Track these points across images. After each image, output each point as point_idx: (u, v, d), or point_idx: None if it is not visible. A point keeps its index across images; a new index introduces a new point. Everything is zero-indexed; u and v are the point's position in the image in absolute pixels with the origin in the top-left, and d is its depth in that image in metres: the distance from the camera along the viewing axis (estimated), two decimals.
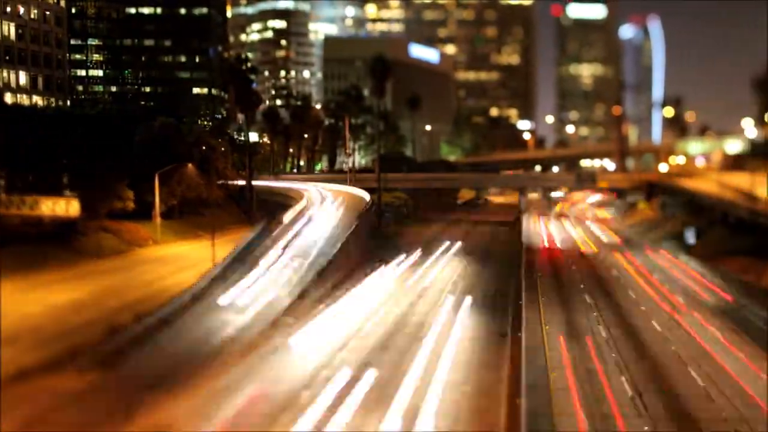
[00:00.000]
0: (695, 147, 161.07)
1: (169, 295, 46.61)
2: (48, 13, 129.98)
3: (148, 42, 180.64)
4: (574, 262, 77.74)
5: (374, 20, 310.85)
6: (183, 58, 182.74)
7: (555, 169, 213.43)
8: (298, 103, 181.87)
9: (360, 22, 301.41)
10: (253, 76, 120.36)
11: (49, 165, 66.45)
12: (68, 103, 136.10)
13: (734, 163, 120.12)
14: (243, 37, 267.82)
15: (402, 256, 76.05)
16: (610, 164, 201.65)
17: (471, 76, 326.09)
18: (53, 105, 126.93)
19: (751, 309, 52.18)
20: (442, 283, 63.58)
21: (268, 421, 29.66)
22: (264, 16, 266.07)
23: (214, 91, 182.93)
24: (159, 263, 63.36)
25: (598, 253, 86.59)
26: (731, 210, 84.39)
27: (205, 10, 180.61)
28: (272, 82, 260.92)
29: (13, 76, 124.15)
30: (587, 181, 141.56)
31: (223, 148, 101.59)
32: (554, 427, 29.56)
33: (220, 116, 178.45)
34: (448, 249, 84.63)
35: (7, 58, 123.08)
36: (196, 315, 44.96)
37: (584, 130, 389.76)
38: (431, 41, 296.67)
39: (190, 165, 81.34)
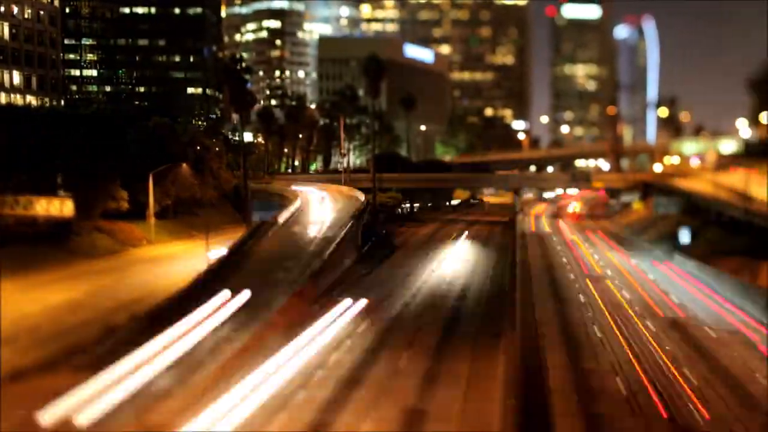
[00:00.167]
0: (690, 147, 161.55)
1: (164, 295, 46.40)
2: (42, 12, 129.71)
3: (143, 42, 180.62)
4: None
5: (369, 20, 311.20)
6: (177, 58, 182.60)
7: (550, 169, 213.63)
8: (293, 103, 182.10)
9: (355, 22, 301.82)
10: (247, 76, 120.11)
11: (43, 165, 66.08)
12: (62, 102, 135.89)
13: (731, 162, 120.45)
14: (237, 37, 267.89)
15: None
16: (604, 164, 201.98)
17: (466, 76, 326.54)
18: (47, 105, 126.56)
19: None
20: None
21: None
22: (258, 15, 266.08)
23: (208, 91, 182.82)
24: (153, 263, 63.26)
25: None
26: (726, 210, 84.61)
27: (199, 9, 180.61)
28: (267, 82, 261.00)
29: (6, 76, 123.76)
30: (582, 181, 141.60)
31: (217, 148, 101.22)
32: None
33: (214, 116, 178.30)
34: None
35: (1, 57, 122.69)
36: None
37: (579, 131, 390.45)
38: (426, 41, 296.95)
39: (184, 165, 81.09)
